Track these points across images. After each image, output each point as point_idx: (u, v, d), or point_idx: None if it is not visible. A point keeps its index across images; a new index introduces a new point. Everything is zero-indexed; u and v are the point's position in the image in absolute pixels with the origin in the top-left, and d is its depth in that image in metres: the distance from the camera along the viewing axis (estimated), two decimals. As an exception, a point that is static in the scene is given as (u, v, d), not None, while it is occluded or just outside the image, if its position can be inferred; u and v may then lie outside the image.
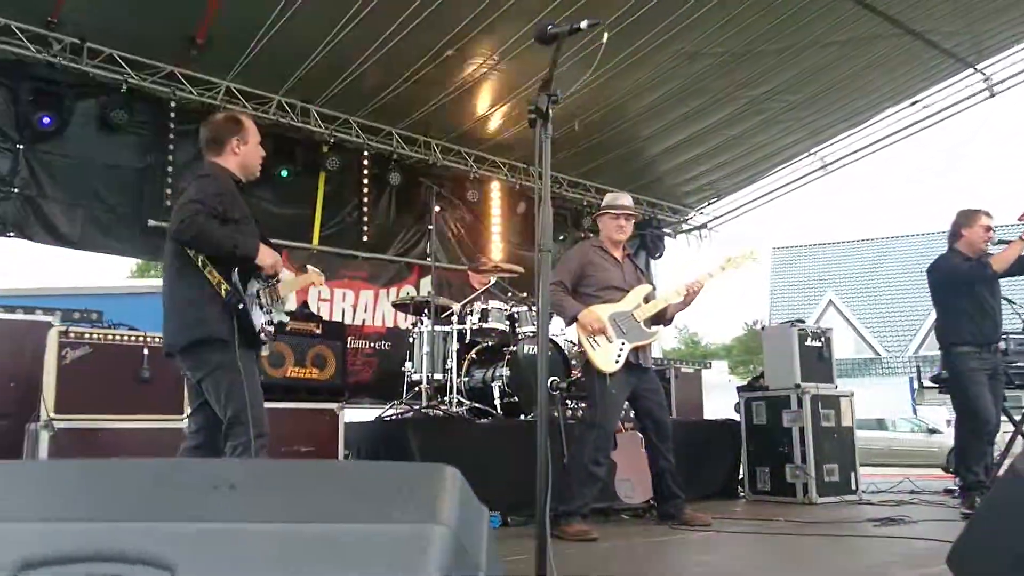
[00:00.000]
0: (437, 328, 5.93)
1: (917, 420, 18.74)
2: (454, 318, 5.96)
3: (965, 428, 5.19)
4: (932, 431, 17.81)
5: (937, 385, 6.12)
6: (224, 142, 3.30)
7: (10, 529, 0.82)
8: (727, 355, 47.00)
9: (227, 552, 0.80)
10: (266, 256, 3.19)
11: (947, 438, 17.28)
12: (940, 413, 20.24)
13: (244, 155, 3.32)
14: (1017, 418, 5.63)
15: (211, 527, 0.82)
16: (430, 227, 7.45)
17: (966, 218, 5.23)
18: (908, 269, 27.18)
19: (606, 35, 2.35)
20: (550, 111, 2.22)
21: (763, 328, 6.81)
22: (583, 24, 2.25)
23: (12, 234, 6.31)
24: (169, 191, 6.83)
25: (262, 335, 3.15)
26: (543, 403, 2.29)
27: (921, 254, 26.82)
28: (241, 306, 3.02)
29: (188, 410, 4.24)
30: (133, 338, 4.21)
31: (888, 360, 25.99)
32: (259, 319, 3.14)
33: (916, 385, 7.96)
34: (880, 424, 18.22)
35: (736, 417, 6.55)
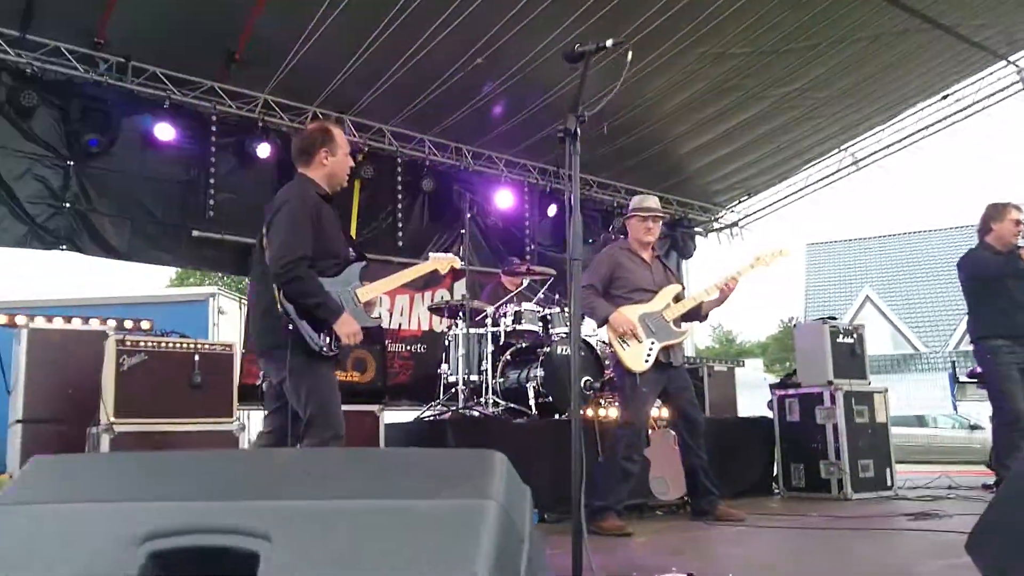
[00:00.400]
0: (472, 330, 6.07)
1: (958, 416, 18.46)
2: (488, 320, 6.10)
3: (998, 422, 5.20)
4: (974, 427, 17.56)
5: (975, 380, 6.12)
6: (313, 153, 3.37)
7: (138, 507, 0.97)
8: (762, 353, 46.58)
9: (314, 525, 0.94)
10: (344, 326, 3.18)
11: (989, 434, 17.02)
12: (982, 409, 19.94)
13: (332, 166, 3.39)
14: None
15: (299, 504, 0.96)
16: (462, 231, 7.58)
17: (995, 212, 5.23)
18: (945, 263, 26.73)
19: (630, 54, 2.46)
20: (578, 130, 2.33)
21: (795, 325, 6.84)
22: (608, 43, 2.37)
23: (65, 247, 6.58)
24: (212, 202, 7.08)
25: (323, 349, 3.19)
26: (576, 402, 2.40)
27: (958, 247, 26.36)
28: (291, 327, 3.15)
29: (237, 413, 4.45)
30: (185, 345, 4.43)
31: (927, 356, 25.63)
32: (316, 333, 3.18)
33: (955, 380, 7.93)
34: (920, 420, 18.02)
35: (769, 414, 6.59)
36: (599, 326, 4.62)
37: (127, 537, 0.93)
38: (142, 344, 4.29)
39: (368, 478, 1.01)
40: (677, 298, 4.48)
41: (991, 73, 8.72)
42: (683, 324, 4.50)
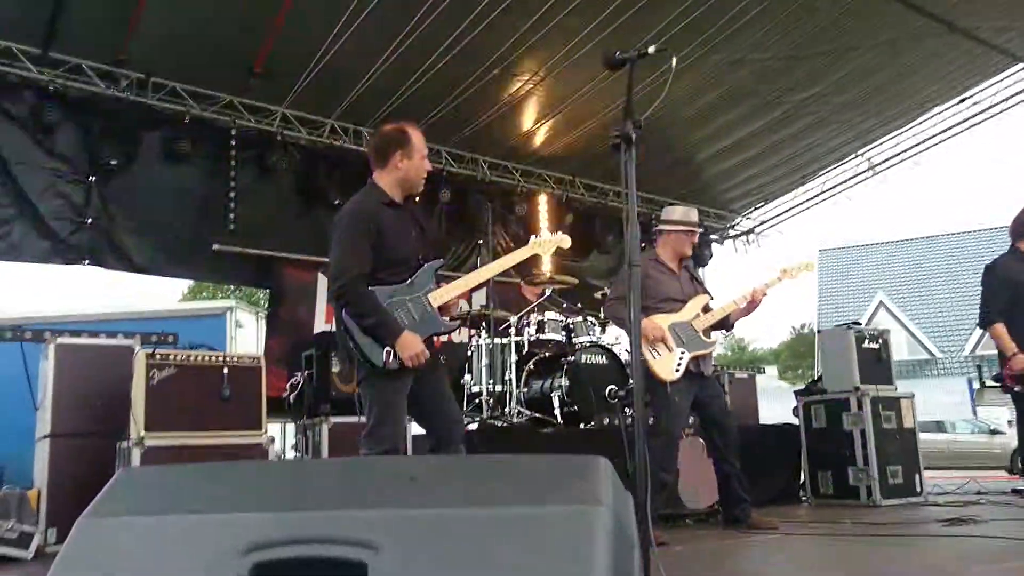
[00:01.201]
0: (495, 340, 6.05)
1: (978, 421, 18.31)
2: (511, 330, 6.08)
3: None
4: (994, 432, 17.40)
5: (999, 384, 6.04)
6: (388, 155, 3.25)
7: (239, 518, 0.96)
8: (775, 360, 46.38)
9: (422, 534, 0.92)
10: (404, 348, 3.06)
11: (1010, 439, 16.86)
12: (1001, 413, 19.77)
13: (406, 170, 3.25)
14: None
15: (405, 513, 0.94)
16: (479, 242, 7.57)
17: None
18: (959, 267, 26.64)
19: (674, 59, 2.45)
20: (635, 137, 2.32)
21: (818, 332, 6.80)
22: (651, 49, 2.36)
23: (87, 262, 6.62)
24: (232, 215, 7.10)
25: (386, 366, 3.08)
26: (640, 402, 2.36)
27: (971, 251, 26.30)
28: (352, 343, 3.12)
29: (266, 426, 4.44)
30: (214, 358, 4.43)
31: (944, 361, 25.45)
32: (380, 350, 3.09)
33: (978, 384, 7.85)
34: (939, 426, 17.85)
35: (794, 421, 6.54)
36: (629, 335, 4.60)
37: (230, 549, 0.91)
38: (171, 358, 4.30)
39: (473, 485, 0.99)
40: (706, 308, 4.47)
41: (1008, 75, 8.68)
42: (712, 334, 4.48)
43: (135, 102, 6.61)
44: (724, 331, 4.61)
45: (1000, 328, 5.01)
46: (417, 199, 3.62)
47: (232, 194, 7.11)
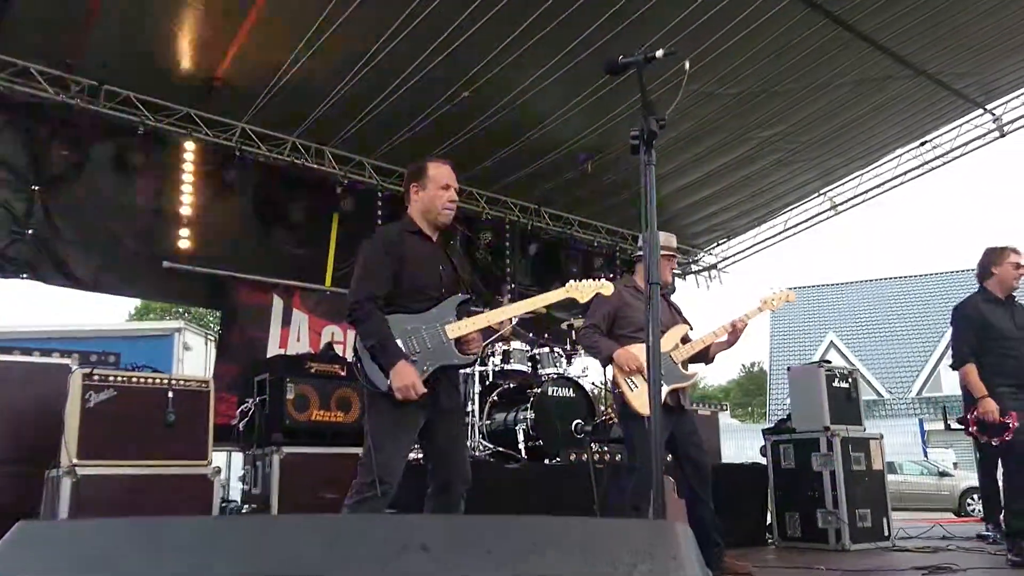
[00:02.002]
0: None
1: (927, 463, 18.50)
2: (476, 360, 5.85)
3: (1007, 470, 5.04)
4: (943, 474, 17.58)
5: (963, 428, 5.97)
6: (408, 188, 3.34)
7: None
8: (726, 397, 46.77)
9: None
10: (397, 377, 2.99)
11: (957, 480, 17.07)
12: (948, 455, 20.05)
13: (423, 201, 3.29)
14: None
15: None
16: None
17: (995, 256, 5.13)
18: (913, 310, 27.19)
19: (687, 63, 2.29)
20: (655, 134, 2.14)
21: (788, 369, 6.69)
22: (659, 53, 2.20)
23: (26, 276, 6.23)
24: (185, 232, 6.77)
25: (389, 389, 3.00)
26: (657, 415, 2.15)
27: (926, 295, 26.90)
28: (359, 365, 3.10)
29: (212, 455, 4.12)
30: (158, 380, 4.09)
31: (891, 402, 25.81)
32: (379, 373, 3.04)
33: (941, 425, 7.81)
34: (890, 467, 17.97)
35: (762, 460, 6.40)
36: (603, 365, 4.41)
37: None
38: (111, 379, 3.95)
39: (541, 551, 0.75)
40: (684, 339, 4.30)
41: (968, 120, 8.84)
42: (691, 367, 4.31)
43: (85, 109, 6.28)
44: (704, 364, 4.44)
45: (972, 369, 4.93)
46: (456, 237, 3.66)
47: (185, 210, 6.78)
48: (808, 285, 31.63)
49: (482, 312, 3.39)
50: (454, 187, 3.33)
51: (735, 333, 4.24)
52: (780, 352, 28.31)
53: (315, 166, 7.52)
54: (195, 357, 9.88)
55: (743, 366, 49.68)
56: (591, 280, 3.54)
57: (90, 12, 5.64)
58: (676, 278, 11.06)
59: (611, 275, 8.99)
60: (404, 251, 3.19)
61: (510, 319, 4.08)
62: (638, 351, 4.11)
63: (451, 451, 3.23)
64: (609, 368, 4.30)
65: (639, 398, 4.01)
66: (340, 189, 7.69)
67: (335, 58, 6.33)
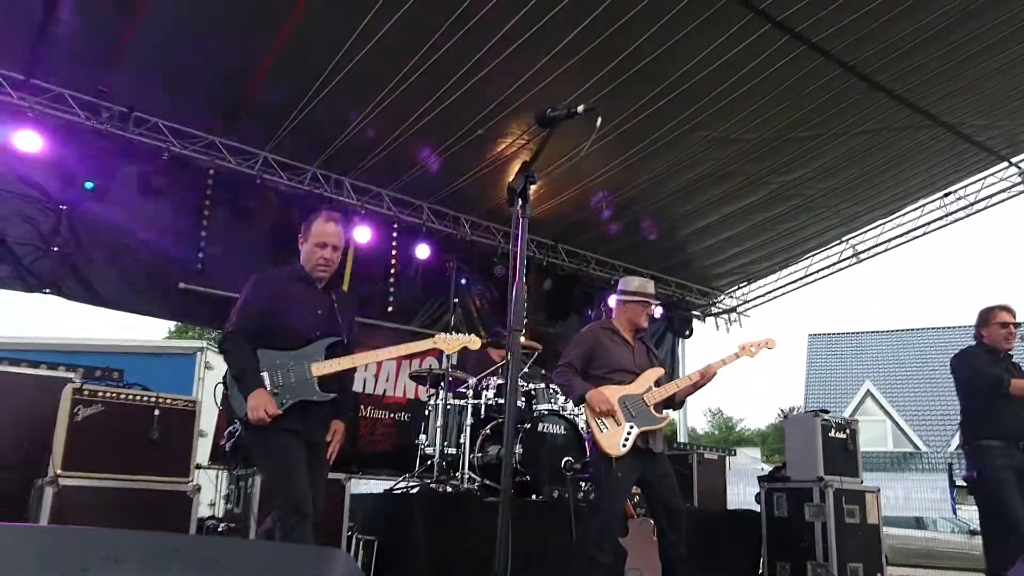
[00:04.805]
0: (452, 401, 5.90)
1: (957, 520, 17.90)
2: (469, 392, 5.93)
3: (991, 529, 4.94)
4: (974, 532, 16.96)
5: (967, 485, 5.84)
6: (298, 237, 3.61)
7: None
8: (762, 441, 45.88)
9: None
10: (252, 402, 3.19)
11: (989, 541, 16.46)
12: (982, 514, 19.35)
13: (303, 253, 3.56)
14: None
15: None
16: (455, 300, 7.49)
17: (983, 317, 5.13)
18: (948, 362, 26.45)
19: (599, 119, 2.39)
20: (528, 190, 2.25)
21: (786, 417, 6.64)
22: (579, 108, 2.31)
23: (48, 291, 6.49)
24: (201, 255, 7.01)
25: (246, 417, 3.21)
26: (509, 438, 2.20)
27: (961, 346, 26.18)
28: (227, 393, 3.34)
29: (194, 473, 4.26)
30: (146, 399, 4.25)
31: (929, 455, 25.08)
32: (241, 404, 3.22)
33: (952, 484, 7.66)
34: (918, 522, 17.43)
35: (756, 508, 6.33)
36: (576, 404, 4.45)
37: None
38: (100, 394, 4.12)
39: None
40: (658, 382, 4.32)
41: (993, 173, 8.72)
42: (663, 411, 4.32)
43: (115, 135, 6.58)
44: (672, 409, 4.44)
45: (1018, 380, 4.82)
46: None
47: (203, 234, 7.03)
48: (847, 332, 31.09)
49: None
50: (332, 245, 3.52)
51: (704, 377, 4.25)
52: (816, 398, 27.75)
53: (333, 195, 7.72)
54: (216, 376, 10.11)
55: (781, 410, 48.75)
56: (461, 334, 3.76)
57: (123, 41, 5.93)
58: (696, 319, 11.03)
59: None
60: (283, 293, 3.41)
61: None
62: (611, 393, 4.14)
63: (314, 486, 3.33)
64: (581, 408, 4.34)
65: (608, 439, 4.04)
66: (357, 219, 7.86)
67: (356, 91, 6.52)
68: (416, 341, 3.83)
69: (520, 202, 2.26)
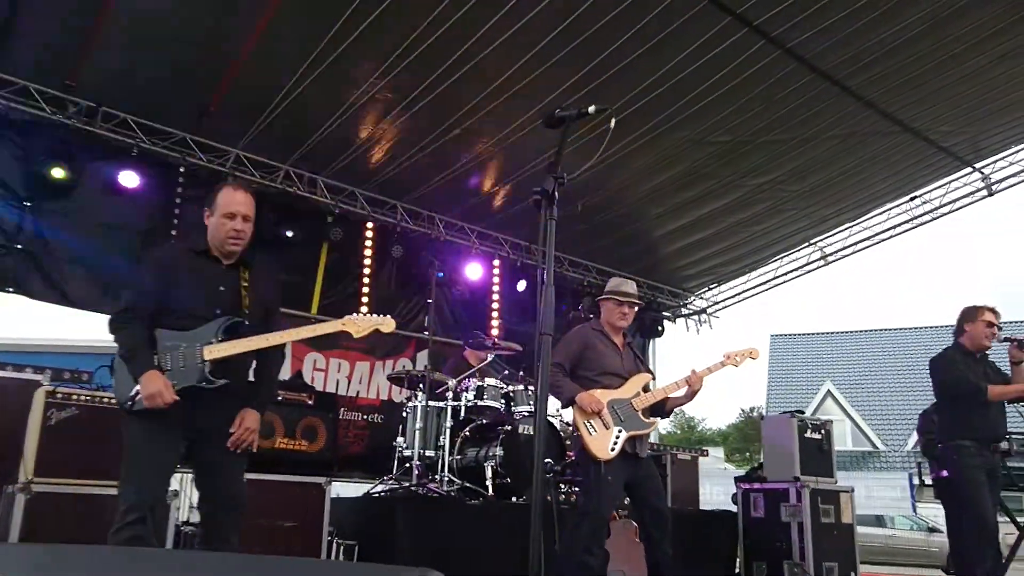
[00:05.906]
0: (431, 404, 5.84)
1: (917, 518, 18.31)
2: (449, 394, 5.88)
3: (965, 529, 5.04)
4: (932, 529, 17.39)
5: (933, 484, 5.97)
6: (204, 209, 3.25)
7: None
8: (723, 441, 46.47)
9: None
10: (145, 386, 2.94)
11: (947, 537, 16.85)
12: (941, 511, 19.84)
13: (210, 227, 3.21)
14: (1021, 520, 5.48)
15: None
16: (429, 301, 7.42)
17: (969, 314, 5.22)
18: (909, 363, 27.04)
19: (613, 120, 2.36)
20: (556, 194, 2.21)
21: (762, 417, 6.71)
22: (591, 108, 2.28)
23: (11, 290, 6.29)
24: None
25: (124, 404, 3.02)
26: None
27: (922, 348, 26.80)
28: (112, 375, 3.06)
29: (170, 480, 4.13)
30: (121, 402, 4.12)
31: (887, 455, 25.59)
32: (128, 387, 3.00)
33: (916, 481, 7.81)
34: (879, 520, 17.79)
35: (733, 508, 6.38)
36: (564, 406, 4.43)
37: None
38: (75, 397, 3.99)
39: None
40: (646, 387, 4.32)
41: (958, 178, 8.91)
42: (651, 416, 4.32)
43: (82, 130, 6.40)
44: (661, 418, 4.45)
45: (995, 387, 4.91)
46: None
47: (174, 232, 6.87)
48: (808, 333, 31.60)
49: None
50: (243, 215, 3.16)
51: (691, 389, 4.26)
52: (777, 398, 28.17)
53: (307, 194, 7.61)
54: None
55: (742, 410, 49.43)
56: (372, 315, 3.47)
57: (92, 35, 5.77)
58: (667, 320, 11.10)
59: (591, 315, 9.03)
60: (177, 270, 3.14)
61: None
62: (601, 395, 4.13)
63: (214, 476, 3.12)
64: (569, 410, 4.32)
65: (596, 442, 4.03)
66: (331, 218, 7.76)
67: (330, 90, 6.44)
68: (326, 323, 3.47)
69: (548, 205, 2.20)
